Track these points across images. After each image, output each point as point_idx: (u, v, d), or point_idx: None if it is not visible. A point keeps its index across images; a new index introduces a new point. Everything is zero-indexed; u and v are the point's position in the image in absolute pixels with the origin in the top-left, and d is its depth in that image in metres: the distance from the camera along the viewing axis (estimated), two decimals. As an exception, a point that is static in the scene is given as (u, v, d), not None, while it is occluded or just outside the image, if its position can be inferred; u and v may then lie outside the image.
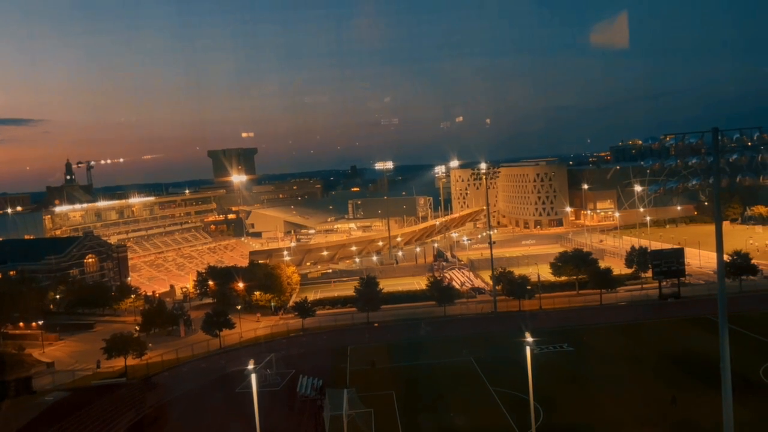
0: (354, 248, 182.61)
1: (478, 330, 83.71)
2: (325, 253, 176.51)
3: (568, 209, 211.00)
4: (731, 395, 33.84)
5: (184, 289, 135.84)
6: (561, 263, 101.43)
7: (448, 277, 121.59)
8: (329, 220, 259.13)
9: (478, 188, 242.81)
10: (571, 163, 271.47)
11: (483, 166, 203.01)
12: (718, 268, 35.65)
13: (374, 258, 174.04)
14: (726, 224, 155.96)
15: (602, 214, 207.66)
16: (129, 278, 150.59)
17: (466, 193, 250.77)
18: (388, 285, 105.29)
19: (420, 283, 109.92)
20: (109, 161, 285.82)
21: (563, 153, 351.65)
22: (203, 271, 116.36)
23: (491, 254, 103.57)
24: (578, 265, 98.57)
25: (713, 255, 52.77)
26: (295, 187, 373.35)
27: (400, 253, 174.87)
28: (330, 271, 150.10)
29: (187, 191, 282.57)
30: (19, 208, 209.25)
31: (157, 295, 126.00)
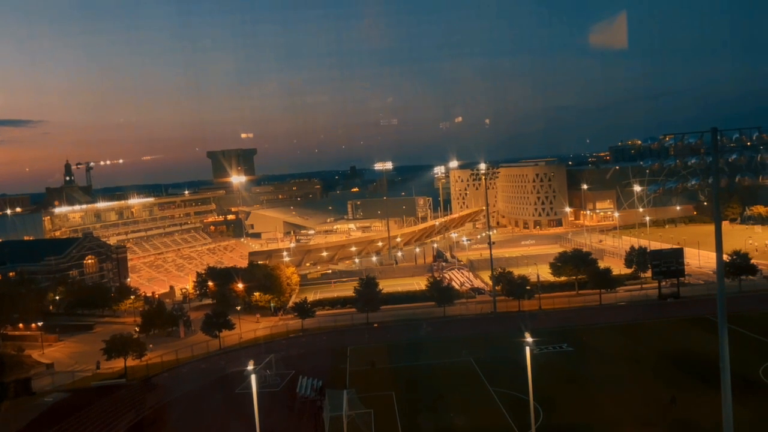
0: (353, 249, 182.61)
1: (477, 330, 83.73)
2: (324, 253, 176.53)
3: (568, 209, 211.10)
4: (731, 395, 33.85)
5: (184, 290, 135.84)
6: (560, 263, 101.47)
7: (448, 277, 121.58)
8: (329, 220, 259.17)
9: (477, 188, 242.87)
10: (570, 163, 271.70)
11: (482, 166, 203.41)
12: (717, 268, 35.67)
13: (374, 258, 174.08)
14: (725, 224, 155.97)
15: (602, 214, 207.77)
16: (128, 279, 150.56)
17: (466, 194, 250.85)
18: (387, 285, 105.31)
19: (419, 284, 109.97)
20: (108, 162, 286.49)
21: (562, 153, 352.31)
22: (203, 271, 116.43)
23: (491, 254, 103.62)
24: (578, 265, 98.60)
25: (712, 255, 52.90)
26: (294, 188, 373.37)
27: (399, 254, 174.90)
28: (329, 271, 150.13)
29: (186, 192, 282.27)
30: (18, 209, 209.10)
31: (157, 296, 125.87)
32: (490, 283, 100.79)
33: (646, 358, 66.39)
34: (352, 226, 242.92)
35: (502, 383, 60.15)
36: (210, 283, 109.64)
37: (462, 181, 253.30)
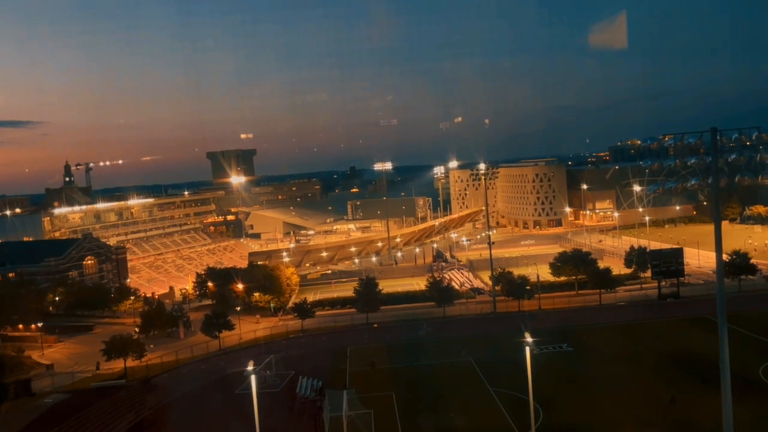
0: (353, 249, 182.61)
1: (477, 330, 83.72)
2: (324, 254, 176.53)
3: (567, 209, 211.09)
4: (731, 395, 33.83)
5: (184, 291, 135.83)
6: (560, 263, 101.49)
7: (448, 277, 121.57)
8: (328, 221, 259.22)
9: (477, 189, 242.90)
10: (570, 163, 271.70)
11: (482, 166, 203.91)
12: (717, 268, 35.65)
13: (373, 259, 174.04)
14: (725, 224, 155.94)
15: (601, 214, 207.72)
16: (128, 280, 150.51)
17: (465, 194, 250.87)
18: (387, 286, 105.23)
19: (419, 284, 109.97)
20: (108, 163, 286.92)
21: (562, 153, 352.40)
22: (202, 272, 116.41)
23: (490, 254, 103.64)
24: (577, 265, 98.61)
25: (712, 255, 52.91)
26: (294, 188, 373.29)
27: (399, 254, 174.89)
28: (329, 272, 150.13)
29: (186, 192, 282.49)
30: (18, 210, 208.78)
31: (157, 296, 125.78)
32: (490, 283, 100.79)
33: (646, 358, 66.39)
34: (351, 226, 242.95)
35: (502, 383, 60.15)
36: (210, 284, 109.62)
37: (462, 181, 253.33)
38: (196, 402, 64.10)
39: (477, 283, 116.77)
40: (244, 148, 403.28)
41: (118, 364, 74.12)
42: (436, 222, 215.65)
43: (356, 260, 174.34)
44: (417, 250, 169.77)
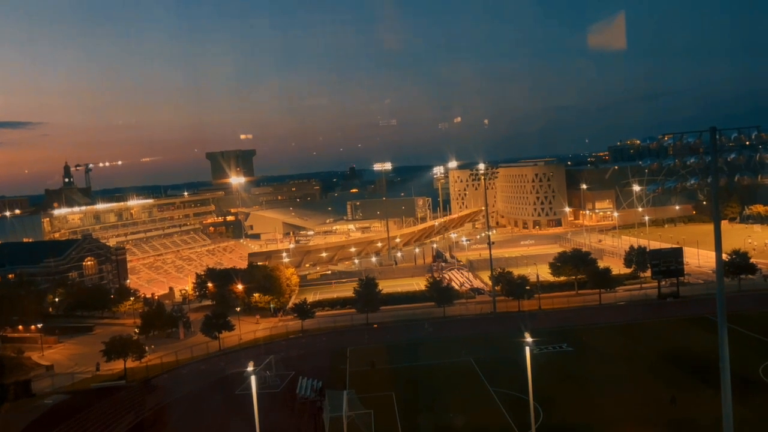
0: (353, 249, 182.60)
1: (477, 330, 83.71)
2: (324, 254, 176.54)
3: (567, 209, 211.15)
4: (731, 394, 33.84)
5: (183, 292, 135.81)
6: (560, 263, 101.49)
7: (448, 277, 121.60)
8: (328, 221, 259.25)
9: (476, 189, 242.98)
10: (569, 163, 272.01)
11: (481, 166, 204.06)
12: (716, 268, 35.66)
13: (373, 259, 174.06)
14: (724, 223, 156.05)
15: (601, 214, 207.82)
16: (128, 281, 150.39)
17: (465, 194, 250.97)
18: (387, 286, 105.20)
19: (419, 284, 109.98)
20: (107, 164, 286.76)
21: (561, 153, 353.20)
22: (202, 273, 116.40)
23: (490, 254, 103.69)
24: (577, 265, 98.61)
25: (712, 254, 52.94)
26: (293, 189, 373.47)
27: (399, 254, 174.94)
28: (329, 272, 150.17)
29: (185, 193, 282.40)
30: (17, 211, 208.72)
31: (156, 297, 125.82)
32: (490, 283, 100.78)
33: (646, 358, 66.40)
34: (351, 226, 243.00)
35: (502, 383, 60.15)
36: (209, 285, 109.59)
37: (461, 181, 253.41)
38: (196, 403, 64.08)
39: (477, 283, 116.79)
40: (243, 149, 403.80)
41: (118, 365, 74.08)
42: (436, 222, 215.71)
43: (356, 260, 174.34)
44: (417, 250, 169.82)
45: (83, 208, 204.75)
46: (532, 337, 45.13)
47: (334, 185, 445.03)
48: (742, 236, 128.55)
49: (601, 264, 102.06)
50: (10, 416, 62.11)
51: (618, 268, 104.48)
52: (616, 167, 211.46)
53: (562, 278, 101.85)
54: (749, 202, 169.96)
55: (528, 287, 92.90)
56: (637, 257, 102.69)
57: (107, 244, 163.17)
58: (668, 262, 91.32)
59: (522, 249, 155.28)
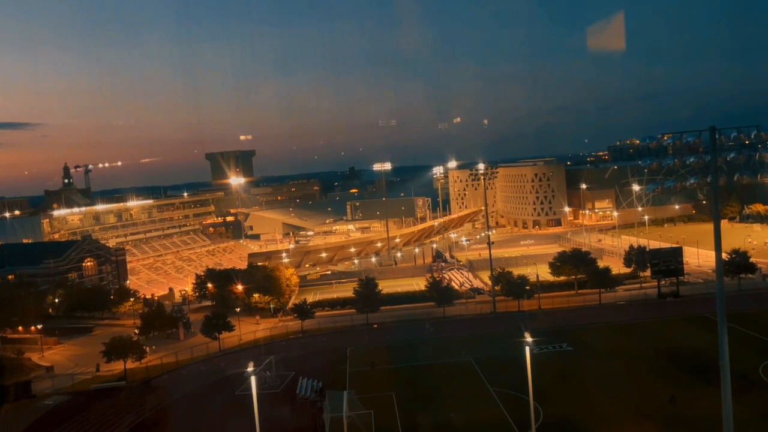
0: (353, 249, 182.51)
1: (477, 330, 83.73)
2: (323, 254, 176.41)
3: (567, 209, 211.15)
4: (731, 393, 33.87)
5: (183, 292, 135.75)
6: (560, 263, 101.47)
7: (447, 277, 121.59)
8: (328, 221, 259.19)
9: (476, 189, 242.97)
10: (569, 163, 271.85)
11: (481, 166, 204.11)
12: (716, 267, 35.68)
13: (373, 259, 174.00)
14: (724, 223, 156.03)
15: (600, 213, 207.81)
16: (128, 281, 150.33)
17: (465, 194, 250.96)
18: (387, 286, 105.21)
19: (419, 284, 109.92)
20: (107, 165, 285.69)
21: (561, 153, 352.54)
22: (202, 273, 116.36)
23: (490, 254, 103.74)
24: (577, 264, 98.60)
25: (712, 254, 52.95)
26: (293, 189, 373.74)
27: (398, 254, 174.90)
28: (329, 272, 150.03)
29: (185, 194, 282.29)
30: (17, 212, 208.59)
31: (156, 298, 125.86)
32: (490, 283, 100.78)
33: (646, 358, 66.43)
34: (351, 227, 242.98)
35: (502, 383, 60.16)
36: (209, 285, 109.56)
37: (461, 181, 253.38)
38: (197, 403, 64.09)
39: (477, 283, 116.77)
40: (243, 149, 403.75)
41: (118, 366, 74.06)
42: (436, 222, 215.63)
43: (356, 261, 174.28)
44: (416, 250, 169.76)
45: (83, 209, 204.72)
46: (532, 337, 45.14)
47: (334, 185, 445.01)
48: (741, 235, 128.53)
49: (601, 264, 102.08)
50: (11, 417, 62.11)
51: (618, 267, 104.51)
52: (615, 167, 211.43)
53: (562, 278, 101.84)
54: (749, 201, 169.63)
55: (528, 287, 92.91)
56: (636, 257, 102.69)
57: (107, 244, 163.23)
58: (668, 262, 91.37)
59: (522, 249, 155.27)
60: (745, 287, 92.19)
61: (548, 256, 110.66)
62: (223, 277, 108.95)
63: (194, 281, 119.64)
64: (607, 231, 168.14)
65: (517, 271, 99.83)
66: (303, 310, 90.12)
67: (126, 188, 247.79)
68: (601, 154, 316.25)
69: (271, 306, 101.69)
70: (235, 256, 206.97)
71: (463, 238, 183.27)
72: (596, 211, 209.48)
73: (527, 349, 44.21)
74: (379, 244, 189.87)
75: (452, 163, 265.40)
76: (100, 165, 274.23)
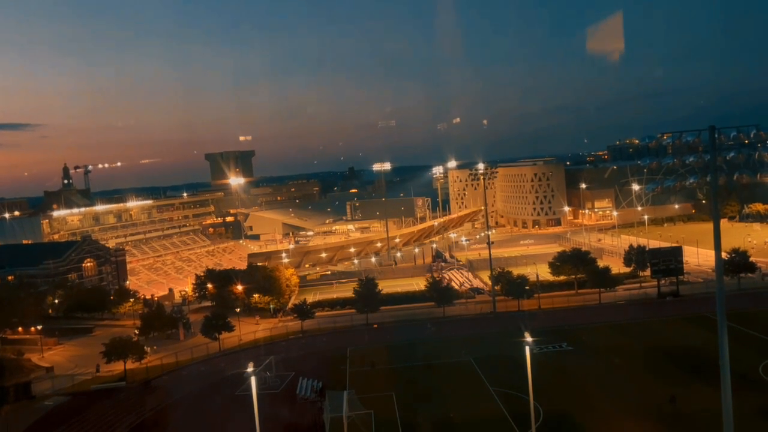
0: (353, 250, 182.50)
1: (477, 330, 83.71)
2: (323, 254, 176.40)
3: (566, 209, 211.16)
4: (731, 393, 33.87)
5: (183, 293, 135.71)
6: (559, 263, 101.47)
7: (447, 277, 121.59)
8: (327, 221, 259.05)
9: (476, 189, 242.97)
10: (568, 162, 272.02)
11: (480, 166, 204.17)
12: (716, 266, 35.69)
13: (373, 259, 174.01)
14: (724, 222, 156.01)
15: (600, 213, 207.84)
16: (128, 282, 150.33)
17: (464, 194, 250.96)
18: (387, 286, 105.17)
19: (419, 284, 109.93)
20: (106, 165, 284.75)
21: (561, 153, 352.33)
22: (202, 274, 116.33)
23: (490, 254, 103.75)
24: (577, 264, 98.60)
25: (711, 253, 52.89)
26: (293, 189, 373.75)
27: (398, 254, 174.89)
28: (329, 272, 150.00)
29: (185, 194, 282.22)
30: (16, 213, 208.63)
31: (156, 298, 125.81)
32: (490, 283, 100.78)
33: (646, 357, 66.42)
34: (351, 227, 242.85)
35: (502, 383, 60.16)
36: (209, 286, 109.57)
37: (460, 181, 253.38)
38: (197, 404, 64.08)
39: (476, 283, 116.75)
40: (242, 150, 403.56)
41: (118, 367, 74.07)
42: (435, 222, 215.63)
43: (356, 261, 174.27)
44: (416, 250, 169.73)
45: (82, 209, 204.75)
46: (531, 337, 45.14)
47: (334, 185, 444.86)
48: (741, 235, 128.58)
49: (601, 263, 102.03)
50: (11, 418, 62.08)
51: (617, 267, 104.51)
52: (615, 166, 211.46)
53: (562, 278, 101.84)
54: (749, 200, 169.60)
55: (527, 287, 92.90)
56: (636, 256, 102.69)
57: (106, 245, 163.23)
58: (668, 261, 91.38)
59: (521, 248, 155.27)
60: (745, 286, 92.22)
61: (548, 256, 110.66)
62: (222, 278, 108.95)
63: (194, 282, 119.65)
64: (607, 230, 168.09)
65: (516, 271, 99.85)
66: (303, 311, 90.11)
67: (125, 189, 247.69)
68: (600, 153, 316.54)
69: (271, 306, 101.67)
70: (234, 256, 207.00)
71: (463, 238, 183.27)
72: (596, 210, 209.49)
73: (527, 348, 44.21)
74: (378, 244, 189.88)
75: (452, 163, 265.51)
76: (100, 166, 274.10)
